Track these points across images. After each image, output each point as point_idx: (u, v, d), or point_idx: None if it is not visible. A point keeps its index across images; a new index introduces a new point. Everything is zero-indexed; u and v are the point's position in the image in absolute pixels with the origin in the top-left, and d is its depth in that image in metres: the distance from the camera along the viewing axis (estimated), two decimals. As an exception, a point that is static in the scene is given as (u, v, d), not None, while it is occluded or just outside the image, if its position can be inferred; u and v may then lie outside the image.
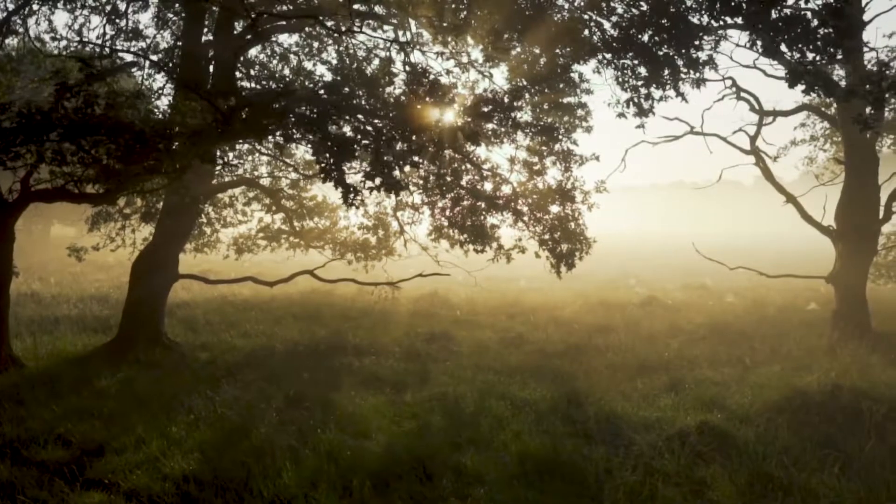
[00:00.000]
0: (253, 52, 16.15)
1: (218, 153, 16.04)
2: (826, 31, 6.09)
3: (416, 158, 7.36)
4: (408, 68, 14.02)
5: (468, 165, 12.29)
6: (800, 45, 6.38)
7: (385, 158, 6.38)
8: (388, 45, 15.30)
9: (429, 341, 13.12)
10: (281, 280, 13.03)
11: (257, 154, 15.73)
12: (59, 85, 6.62)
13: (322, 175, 5.92)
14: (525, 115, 12.41)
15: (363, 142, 6.40)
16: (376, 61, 15.42)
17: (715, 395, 8.31)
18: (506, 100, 11.23)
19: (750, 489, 5.90)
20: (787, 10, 6.42)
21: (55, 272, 23.54)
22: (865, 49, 13.99)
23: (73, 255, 15.11)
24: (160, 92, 11.53)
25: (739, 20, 6.76)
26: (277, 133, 7.36)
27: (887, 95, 6.73)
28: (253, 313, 16.04)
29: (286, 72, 16.47)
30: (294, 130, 6.23)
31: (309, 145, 7.27)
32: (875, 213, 12.80)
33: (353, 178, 8.24)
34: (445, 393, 9.14)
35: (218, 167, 15.57)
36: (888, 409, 7.10)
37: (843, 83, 14.01)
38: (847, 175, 13.17)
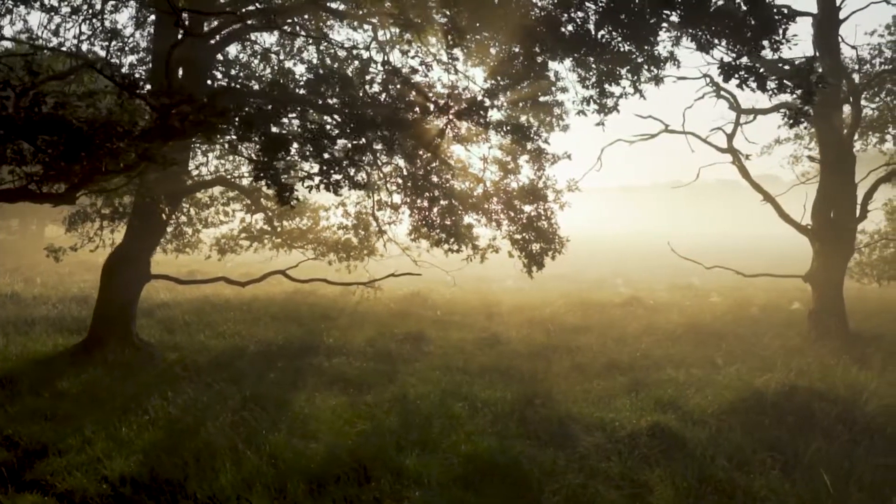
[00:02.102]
0: (233, 51, 16.17)
1: (199, 152, 16.20)
2: (753, 23, 5.99)
3: (357, 157, 7.28)
4: (386, 67, 14.02)
5: (441, 164, 12.25)
6: (732, 39, 6.28)
7: (326, 157, 6.32)
8: (368, 44, 15.31)
9: (403, 342, 13.06)
10: (253, 280, 12.99)
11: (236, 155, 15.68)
12: (1, 83, 6.57)
13: (254, 173, 5.87)
14: (498, 114, 12.38)
15: (308, 138, 6.33)
16: (357, 62, 15.38)
17: (673, 396, 8.22)
18: (479, 98, 11.21)
19: (692, 492, 5.81)
20: (720, 3, 6.32)
21: (43, 273, 23.56)
22: (850, 46, 13.92)
23: (51, 255, 15.09)
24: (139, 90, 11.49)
25: (676, 15, 6.67)
26: (231, 132, 7.31)
27: (816, 89, 6.61)
28: (232, 314, 16.01)
29: (267, 71, 16.48)
30: (241, 129, 6.17)
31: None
32: (852, 212, 12.68)
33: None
34: (406, 394, 9.09)
35: (193, 167, 15.73)
36: (841, 409, 7.01)
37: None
38: (822, 173, 13.04)
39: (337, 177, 6.82)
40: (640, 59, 8.20)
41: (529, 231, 12.02)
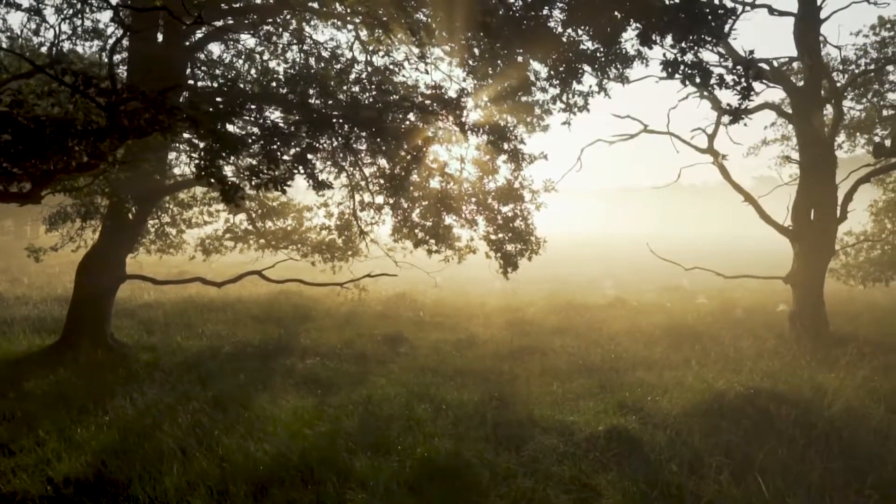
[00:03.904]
0: (217, 51, 16.17)
1: (185, 153, 16.13)
2: (684, 17, 5.90)
3: (313, 156, 7.21)
4: (368, 67, 13.97)
5: (418, 164, 12.21)
6: (675, 34, 6.18)
7: (275, 155, 6.26)
8: (351, 44, 15.27)
9: (381, 343, 13.00)
10: (229, 280, 12.94)
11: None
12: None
13: (196, 172, 5.81)
14: (477, 114, 12.34)
15: (256, 137, 6.27)
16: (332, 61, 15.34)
17: (637, 399, 8.12)
18: (455, 98, 11.17)
19: (641, 497, 5.72)
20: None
21: (32, 273, 23.59)
22: (834, 46, 13.81)
23: (31, 255, 15.09)
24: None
25: (622, 8, 6.58)
26: (188, 129, 7.24)
27: (754, 83, 6.49)
28: (214, 314, 15.97)
29: (252, 71, 16.45)
30: (189, 127, 6.12)
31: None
32: (832, 214, 12.54)
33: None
34: (371, 395, 9.01)
35: (177, 166, 15.70)
36: (802, 412, 6.90)
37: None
38: (802, 174, 12.91)
39: (293, 174, 6.74)
40: (607, 58, 8.09)
41: (506, 231, 11.96)
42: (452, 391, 9.30)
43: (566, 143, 17.90)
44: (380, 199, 14.12)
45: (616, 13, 6.51)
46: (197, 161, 5.84)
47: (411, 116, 11.02)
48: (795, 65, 15.00)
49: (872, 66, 14.40)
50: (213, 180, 5.82)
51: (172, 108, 6.15)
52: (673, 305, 17.48)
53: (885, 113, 15.91)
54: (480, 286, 22.45)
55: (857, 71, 14.80)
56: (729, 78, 6.38)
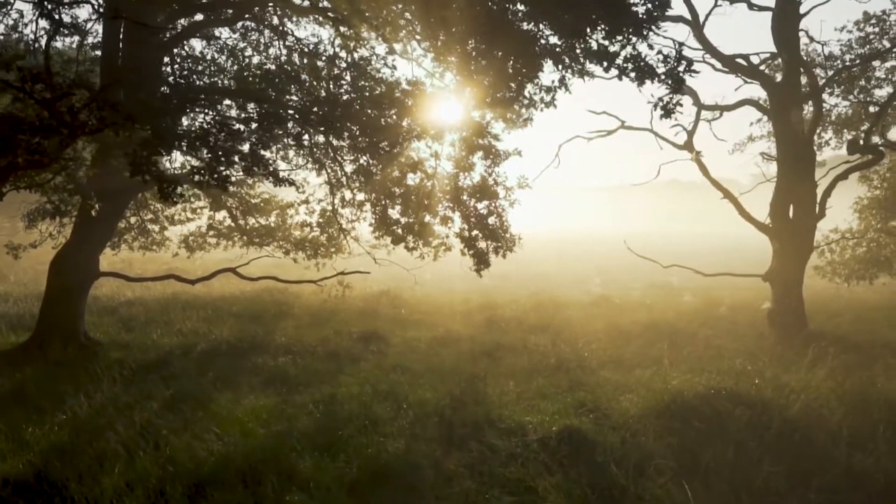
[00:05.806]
0: (199, 47, 16.10)
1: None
2: (612, 8, 5.75)
3: (262, 152, 7.11)
4: (344, 63, 13.87)
5: (392, 160, 12.13)
6: (607, 26, 6.05)
7: (218, 151, 6.16)
8: (332, 41, 15.21)
9: (357, 341, 12.90)
10: (203, 278, 12.88)
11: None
12: None
13: (132, 168, 5.71)
14: (452, 110, 12.25)
15: (197, 134, 6.18)
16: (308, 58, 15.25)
17: (597, 398, 8.00)
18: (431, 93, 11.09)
19: (584, 500, 5.62)
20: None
21: (20, 270, 23.58)
22: (819, 43, 13.63)
23: (10, 252, 15.08)
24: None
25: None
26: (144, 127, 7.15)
27: (685, 77, 6.34)
28: (196, 312, 15.86)
29: (236, 67, 16.38)
30: (127, 124, 6.02)
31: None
32: (811, 211, 12.37)
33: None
34: (336, 394, 8.92)
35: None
36: (757, 413, 6.78)
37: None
38: (780, 171, 12.74)
39: (252, 170, 6.65)
40: (567, 53, 7.96)
41: (481, 228, 11.86)
42: (417, 390, 9.21)
43: (556, 140, 17.80)
44: (360, 197, 14.07)
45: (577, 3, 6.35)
46: (131, 157, 5.75)
47: (392, 113, 10.95)
48: (779, 61, 14.83)
49: (857, 62, 14.20)
50: (148, 177, 5.74)
51: (115, 105, 6.05)
52: (657, 303, 17.33)
53: (871, 109, 15.72)
54: (467, 283, 22.31)
55: (840, 67, 14.62)
56: (661, 71, 6.23)
